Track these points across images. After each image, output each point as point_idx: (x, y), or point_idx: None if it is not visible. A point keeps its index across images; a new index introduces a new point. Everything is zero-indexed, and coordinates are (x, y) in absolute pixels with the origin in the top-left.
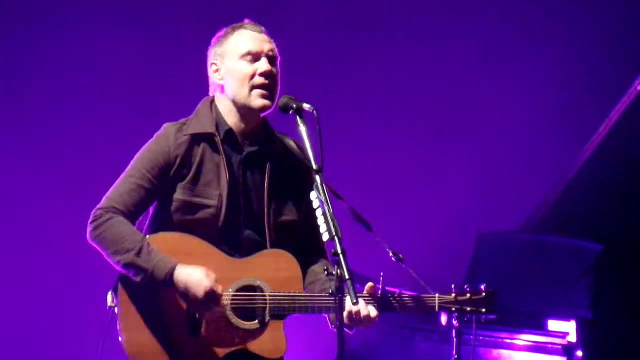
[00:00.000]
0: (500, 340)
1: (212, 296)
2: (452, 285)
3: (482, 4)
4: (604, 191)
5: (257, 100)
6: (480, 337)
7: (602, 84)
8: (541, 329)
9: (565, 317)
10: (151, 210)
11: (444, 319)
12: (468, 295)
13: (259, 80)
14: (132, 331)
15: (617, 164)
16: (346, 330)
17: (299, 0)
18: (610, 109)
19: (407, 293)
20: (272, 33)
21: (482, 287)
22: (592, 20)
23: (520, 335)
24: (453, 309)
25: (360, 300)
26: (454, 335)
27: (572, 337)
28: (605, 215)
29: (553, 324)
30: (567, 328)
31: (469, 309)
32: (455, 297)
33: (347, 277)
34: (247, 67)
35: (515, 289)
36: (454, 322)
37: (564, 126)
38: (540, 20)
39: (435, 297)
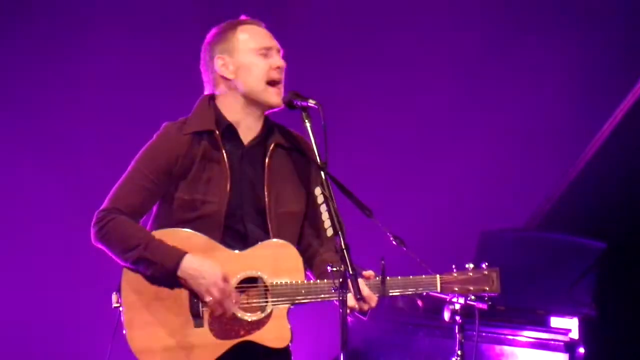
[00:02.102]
0: (503, 336)
1: (225, 278)
2: (453, 266)
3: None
4: (607, 189)
5: (273, 97)
6: (483, 334)
7: (606, 82)
8: (544, 325)
9: (567, 314)
10: (154, 208)
11: (447, 315)
12: (470, 274)
13: (274, 74)
14: (136, 328)
15: (620, 162)
16: (360, 316)
17: None
18: (615, 107)
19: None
20: (276, 27)
21: (484, 265)
22: (591, 23)
23: (522, 332)
24: (456, 288)
25: (362, 286)
26: (457, 331)
27: (575, 334)
28: (608, 214)
29: (556, 321)
30: (569, 325)
31: (471, 288)
32: (456, 277)
33: (350, 272)
34: (262, 62)
35: (518, 286)
36: (457, 318)
37: (568, 124)
38: (539, 20)
39: (436, 277)
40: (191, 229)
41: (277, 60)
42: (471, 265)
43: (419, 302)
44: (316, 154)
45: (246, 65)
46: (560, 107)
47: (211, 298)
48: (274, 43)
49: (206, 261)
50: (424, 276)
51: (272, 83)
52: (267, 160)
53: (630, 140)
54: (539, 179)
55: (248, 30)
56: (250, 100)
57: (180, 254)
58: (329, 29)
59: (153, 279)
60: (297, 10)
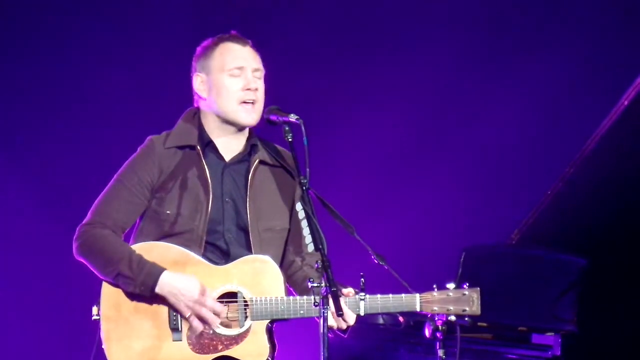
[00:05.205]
0: (484, 353)
1: (204, 292)
2: (434, 285)
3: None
4: (590, 205)
5: (243, 115)
6: (465, 350)
7: (589, 98)
8: (526, 342)
9: (549, 331)
10: (137, 222)
11: (427, 331)
12: (450, 294)
13: (244, 95)
14: (114, 342)
15: (603, 179)
16: (339, 333)
17: (292, 6)
18: (598, 124)
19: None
20: (260, 40)
21: (465, 285)
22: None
23: (504, 348)
24: (435, 308)
25: (342, 302)
26: (438, 347)
27: (557, 351)
28: (591, 230)
29: (537, 338)
30: (551, 342)
31: (451, 308)
32: (436, 296)
33: (331, 288)
34: (233, 83)
35: (500, 303)
36: (438, 334)
37: (551, 140)
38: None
39: (416, 296)
40: (173, 243)
41: (250, 81)
42: (452, 285)
43: (400, 318)
44: (298, 169)
45: (218, 86)
46: (542, 123)
47: (190, 313)
48: (250, 63)
49: (183, 277)
50: (403, 295)
51: (242, 103)
52: (250, 177)
53: (612, 157)
54: (521, 195)
55: (225, 49)
56: (223, 119)
57: (158, 271)
58: (313, 42)
59: (132, 294)
60: (283, 19)
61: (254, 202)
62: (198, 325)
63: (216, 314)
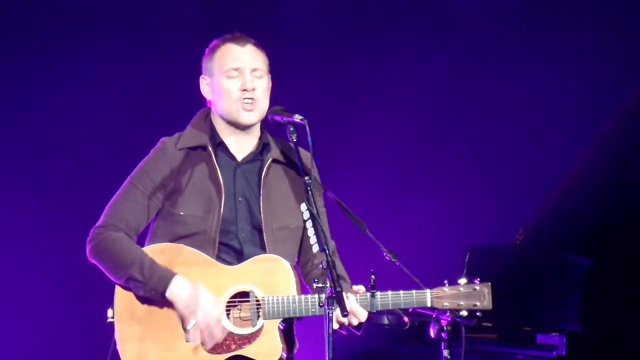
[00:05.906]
0: (489, 353)
1: (210, 300)
2: (445, 281)
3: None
4: (594, 205)
5: (243, 115)
6: (469, 350)
7: (593, 97)
8: (530, 342)
9: (554, 331)
10: (151, 223)
11: (432, 331)
12: (461, 289)
13: (242, 96)
14: (128, 342)
15: (608, 178)
16: (353, 330)
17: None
18: (602, 123)
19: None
20: (267, 38)
21: (476, 280)
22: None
23: (509, 348)
24: (446, 303)
25: (352, 300)
26: (442, 348)
27: (561, 351)
28: (595, 230)
29: (542, 338)
30: (556, 342)
31: (462, 303)
32: (447, 292)
33: (337, 289)
34: (231, 84)
35: (505, 303)
36: (443, 334)
37: (556, 140)
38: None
39: (427, 292)
40: (187, 244)
41: (247, 81)
42: (463, 280)
43: (405, 319)
44: (305, 169)
45: (218, 89)
46: (546, 123)
47: (195, 322)
48: (247, 63)
49: (195, 286)
50: (414, 291)
51: (243, 103)
52: (262, 175)
53: (616, 157)
54: (526, 195)
55: (224, 51)
56: (227, 120)
57: (169, 277)
58: (320, 40)
59: (144, 297)
60: (291, 19)
61: (268, 201)
62: (196, 336)
63: (220, 331)
